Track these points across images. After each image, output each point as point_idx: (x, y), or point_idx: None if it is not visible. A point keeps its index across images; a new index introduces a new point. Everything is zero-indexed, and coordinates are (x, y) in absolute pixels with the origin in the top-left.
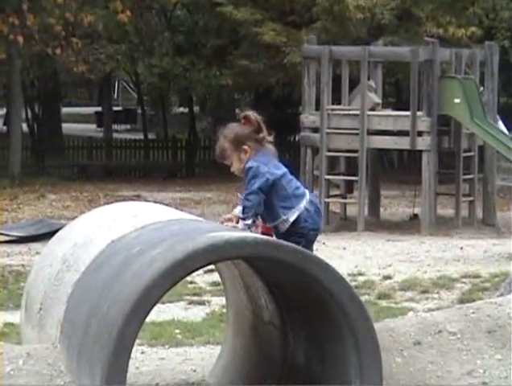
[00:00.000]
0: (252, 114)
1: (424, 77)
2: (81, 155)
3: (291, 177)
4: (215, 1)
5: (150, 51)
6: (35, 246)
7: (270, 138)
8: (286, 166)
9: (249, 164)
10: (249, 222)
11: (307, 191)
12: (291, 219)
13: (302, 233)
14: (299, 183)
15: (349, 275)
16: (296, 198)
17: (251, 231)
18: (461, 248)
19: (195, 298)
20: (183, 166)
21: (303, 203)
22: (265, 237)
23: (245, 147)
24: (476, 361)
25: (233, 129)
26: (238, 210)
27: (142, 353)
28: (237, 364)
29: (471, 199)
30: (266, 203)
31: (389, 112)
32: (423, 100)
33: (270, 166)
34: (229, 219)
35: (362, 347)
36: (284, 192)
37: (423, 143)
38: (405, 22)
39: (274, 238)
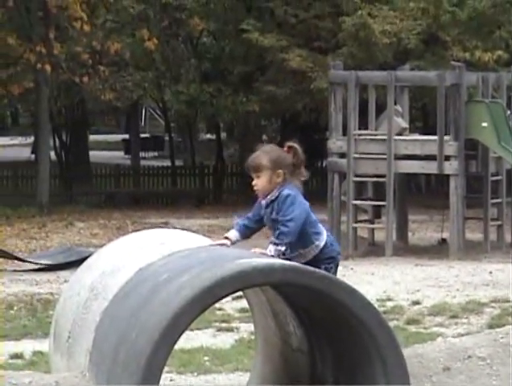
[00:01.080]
0: (299, 149)
1: (451, 101)
2: (109, 183)
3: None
4: (241, 27)
5: (176, 78)
6: (63, 274)
7: (305, 177)
8: (314, 191)
9: (287, 191)
10: (283, 249)
11: None
12: (322, 244)
13: (332, 257)
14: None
15: (378, 300)
16: (320, 223)
17: (280, 257)
18: (490, 272)
19: (223, 325)
20: (210, 193)
21: (325, 230)
22: (292, 263)
23: (281, 172)
24: None
25: (277, 150)
26: (234, 234)
27: (171, 381)
28: None
29: (499, 223)
30: (300, 231)
31: (416, 136)
32: (450, 124)
33: (301, 196)
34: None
35: (391, 373)
36: (313, 219)
37: (451, 167)
38: (431, 46)
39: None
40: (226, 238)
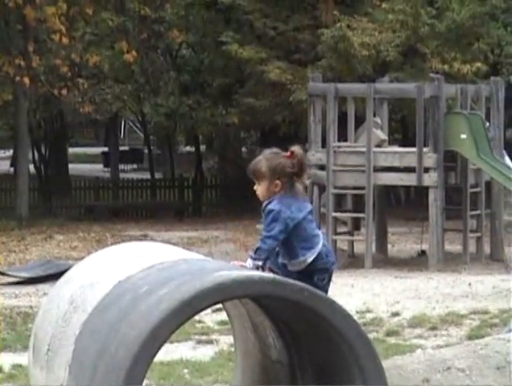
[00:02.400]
0: (301, 154)
1: (430, 113)
2: (88, 195)
3: (311, 217)
4: (220, 40)
5: (155, 90)
6: (42, 287)
7: (307, 183)
8: None
9: (271, 206)
10: (259, 263)
11: (318, 231)
12: (309, 260)
13: (326, 268)
14: (315, 223)
15: (357, 312)
16: (314, 237)
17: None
18: (469, 284)
19: (203, 338)
20: (190, 206)
21: (321, 242)
22: (271, 275)
23: (278, 182)
24: None
25: (277, 158)
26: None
27: None
28: None
29: (478, 234)
30: (287, 243)
31: (395, 148)
32: (429, 136)
33: (293, 208)
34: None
35: (370, 385)
36: (304, 233)
37: (430, 179)
38: (410, 58)
39: (280, 276)
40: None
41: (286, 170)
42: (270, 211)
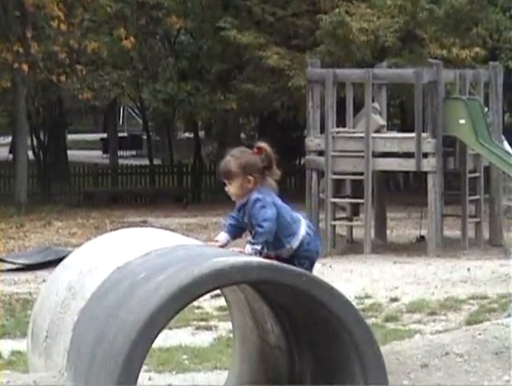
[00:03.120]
0: (268, 149)
1: (429, 99)
2: (87, 182)
3: (284, 204)
4: (218, 25)
5: (154, 76)
6: (41, 274)
7: (277, 177)
8: (292, 189)
9: (256, 195)
10: (259, 247)
11: (300, 216)
12: (295, 246)
13: (306, 256)
14: (290, 208)
15: (356, 298)
16: (295, 223)
17: (257, 256)
18: (468, 269)
19: (202, 323)
20: (189, 192)
21: (303, 228)
22: (269, 261)
23: (251, 178)
24: (484, 383)
25: (246, 155)
26: (223, 236)
27: (150, 379)
28: None
29: (477, 220)
30: None
31: (394, 134)
32: (427, 121)
33: (272, 195)
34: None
35: (369, 370)
36: (284, 220)
37: (429, 165)
38: (408, 43)
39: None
40: (216, 242)
41: (257, 166)
42: (256, 199)
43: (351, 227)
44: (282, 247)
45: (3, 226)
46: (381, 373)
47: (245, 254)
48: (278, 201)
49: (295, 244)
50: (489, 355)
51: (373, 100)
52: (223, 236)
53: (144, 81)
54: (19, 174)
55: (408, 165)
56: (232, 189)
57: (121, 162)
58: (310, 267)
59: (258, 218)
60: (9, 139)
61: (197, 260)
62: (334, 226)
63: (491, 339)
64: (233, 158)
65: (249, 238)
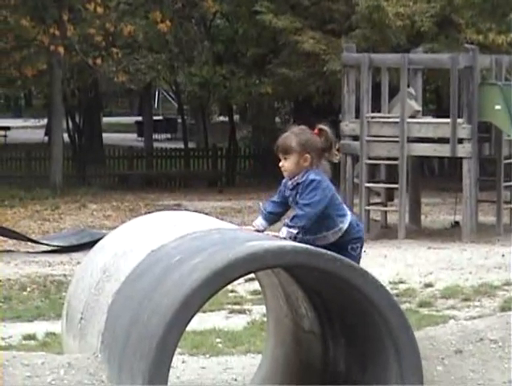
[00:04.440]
0: (329, 131)
1: (464, 84)
2: (122, 165)
3: None
4: (254, 9)
5: (189, 60)
6: (76, 256)
7: (335, 160)
8: None
9: (313, 176)
10: (295, 231)
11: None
12: (345, 226)
13: (358, 237)
14: None
15: (390, 283)
16: (343, 204)
17: (293, 240)
18: (503, 255)
19: (236, 307)
20: (223, 175)
21: (349, 212)
22: (304, 246)
23: (308, 156)
24: None
25: (306, 134)
26: (260, 222)
27: (183, 362)
28: (277, 373)
29: None
30: (323, 214)
31: (429, 119)
32: (463, 107)
33: (327, 181)
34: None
35: (403, 356)
36: (337, 201)
37: (464, 150)
38: (445, 29)
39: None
40: (253, 226)
41: (316, 146)
42: (312, 180)
43: (385, 212)
44: (335, 226)
45: (38, 208)
46: (415, 358)
47: (279, 238)
48: (332, 186)
49: (345, 225)
50: None
51: (408, 86)
52: (260, 222)
53: (179, 65)
54: (54, 156)
55: (443, 150)
56: (287, 164)
57: (155, 145)
58: (361, 250)
59: (304, 199)
60: (44, 121)
61: (232, 243)
62: (368, 211)
63: None
64: (294, 134)
65: (286, 220)
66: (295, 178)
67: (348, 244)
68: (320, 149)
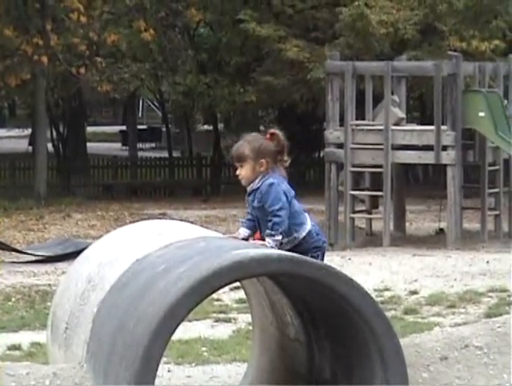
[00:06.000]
0: (281, 135)
1: (448, 91)
2: (106, 174)
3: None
4: (238, 18)
5: (173, 69)
6: (61, 266)
7: (287, 164)
8: (311, 182)
9: (270, 180)
10: (279, 238)
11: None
12: (301, 235)
13: (318, 246)
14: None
15: (375, 290)
16: (302, 214)
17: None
18: (488, 262)
19: (221, 316)
20: (208, 184)
21: (309, 220)
22: (289, 254)
23: (263, 161)
24: (503, 375)
25: (259, 139)
26: (243, 230)
27: (169, 371)
28: (263, 381)
29: (497, 212)
30: None
31: (413, 126)
32: (447, 114)
33: (285, 183)
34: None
35: (388, 363)
36: (294, 210)
37: (448, 157)
38: (428, 36)
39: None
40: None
41: (270, 150)
42: (271, 184)
43: (370, 219)
44: (289, 235)
45: (23, 218)
46: (400, 366)
47: (266, 247)
48: (290, 189)
49: (302, 234)
50: (508, 348)
51: (392, 93)
52: (242, 230)
53: (163, 73)
54: (39, 166)
55: (427, 157)
56: (244, 172)
57: (140, 154)
58: (322, 257)
59: (274, 205)
60: (28, 131)
61: (217, 252)
62: (353, 219)
63: (510, 332)
64: (246, 142)
65: (268, 231)
66: (251, 184)
67: (308, 253)
68: (275, 153)
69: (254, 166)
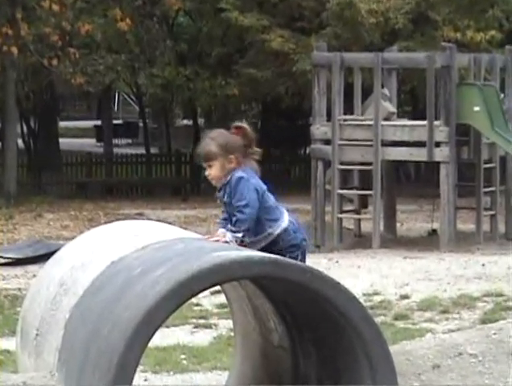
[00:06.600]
0: (247, 128)
1: (441, 84)
2: (80, 172)
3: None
4: (219, 6)
5: (151, 60)
6: (32, 268)
7: (258, 157)
8: (296, 180)
9: (240, 174)
10: (240, 235)
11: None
12: (276, 233)
13: (295, 244)
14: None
15: (364, 295)
16: (278, 210)
17: (237, 245)
18: (483, 264)
19: (201, 321)
20: (187, 182)
21: (286, 217)
22: (273, 256)
23: (232, 157)
24: (499, 385)
25: (224, 135)
26: (222, 231)
27: (146, 380)
28: None
29: (493, 212)
30: None
31: (404, 121)
32: (440, 108)
33: (256, 178)
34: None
35: (377, 371)
36: (268, 204)
37: (441, 154)
38: (420, 26)
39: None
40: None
41: (238, 144)
42: (240, 178)
43: (359, 220)
44: (262, 232)
45: None
46: (390, 374)
47: (223, 241)
48: (262, 184)
49: (275, 230)
50: (504, 356)
51: (382, 86)
52: (221, 231)
53: (140, 65)
54: (8, 163)
55: (419, 154)
56: (213, 171)
57: (115, 150)
58: (303, 258)
59: (240, 200)
60: None
61: (197, 254)
62: (341, 219)
63: (507, 339)
64: (212, 139)
65: (229, 226)
66: (222, 180)
67: (286, 253)
68: (243, 147)
69: (224, 164)
